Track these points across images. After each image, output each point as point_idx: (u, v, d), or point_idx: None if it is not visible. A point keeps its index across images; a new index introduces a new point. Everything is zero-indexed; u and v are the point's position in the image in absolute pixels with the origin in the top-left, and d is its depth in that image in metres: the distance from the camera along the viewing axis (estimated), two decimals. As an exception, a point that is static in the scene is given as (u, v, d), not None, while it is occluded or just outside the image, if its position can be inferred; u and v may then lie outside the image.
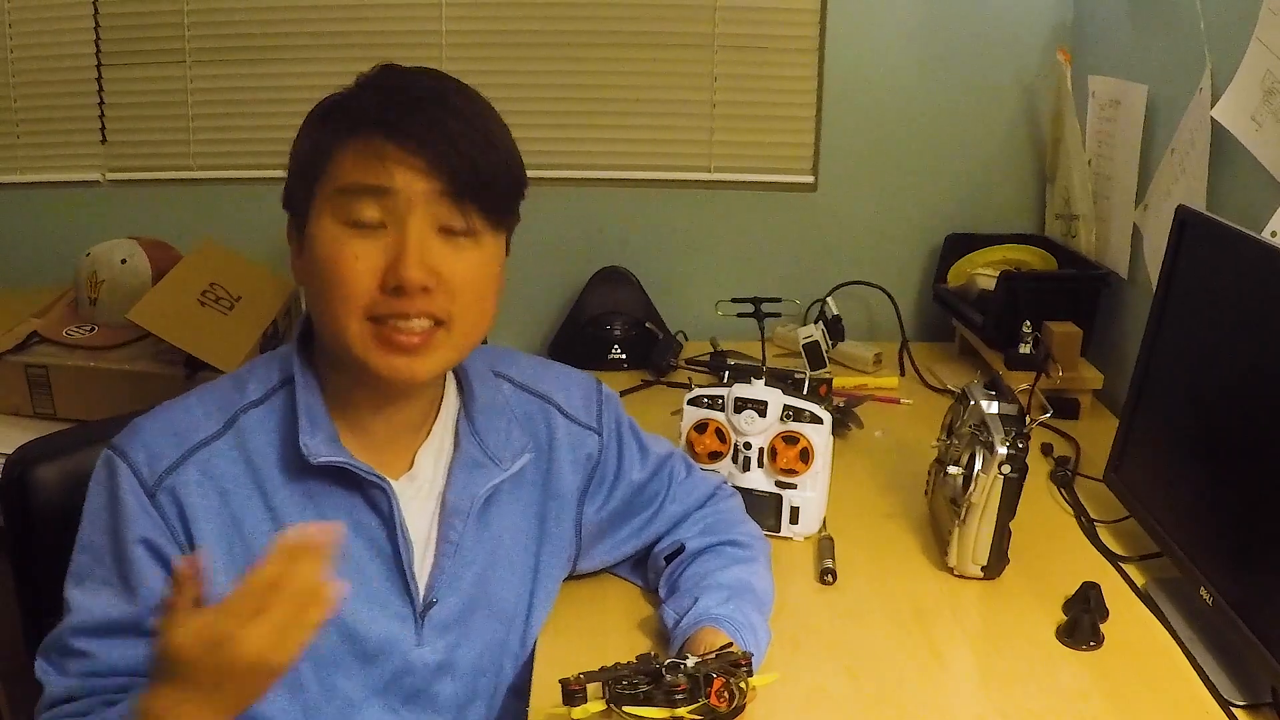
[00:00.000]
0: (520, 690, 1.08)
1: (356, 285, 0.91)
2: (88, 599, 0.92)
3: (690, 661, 0.90)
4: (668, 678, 0.88)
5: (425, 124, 0.91)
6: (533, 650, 1.10)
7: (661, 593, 1.16)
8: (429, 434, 1.04)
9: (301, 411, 0.96)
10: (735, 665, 0.91)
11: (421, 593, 1.01)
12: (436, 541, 1.02)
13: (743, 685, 0.89)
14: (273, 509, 0.96)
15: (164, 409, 0.98)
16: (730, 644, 0.96)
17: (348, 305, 0.91)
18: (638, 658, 0.93)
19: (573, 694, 0.89)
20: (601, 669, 0.91)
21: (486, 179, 0.94)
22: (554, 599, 1.13)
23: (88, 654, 0.91)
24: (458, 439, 1.05)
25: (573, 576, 1.17)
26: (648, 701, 0.88)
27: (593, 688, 0.90)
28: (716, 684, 0.88)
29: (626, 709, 0.88)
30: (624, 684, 0.89)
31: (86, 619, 0.92)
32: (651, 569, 1.19)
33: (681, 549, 1.17)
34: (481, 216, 0.94)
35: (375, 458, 0.99)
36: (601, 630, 1.14)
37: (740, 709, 0.90)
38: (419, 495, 1.02)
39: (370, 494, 0.98)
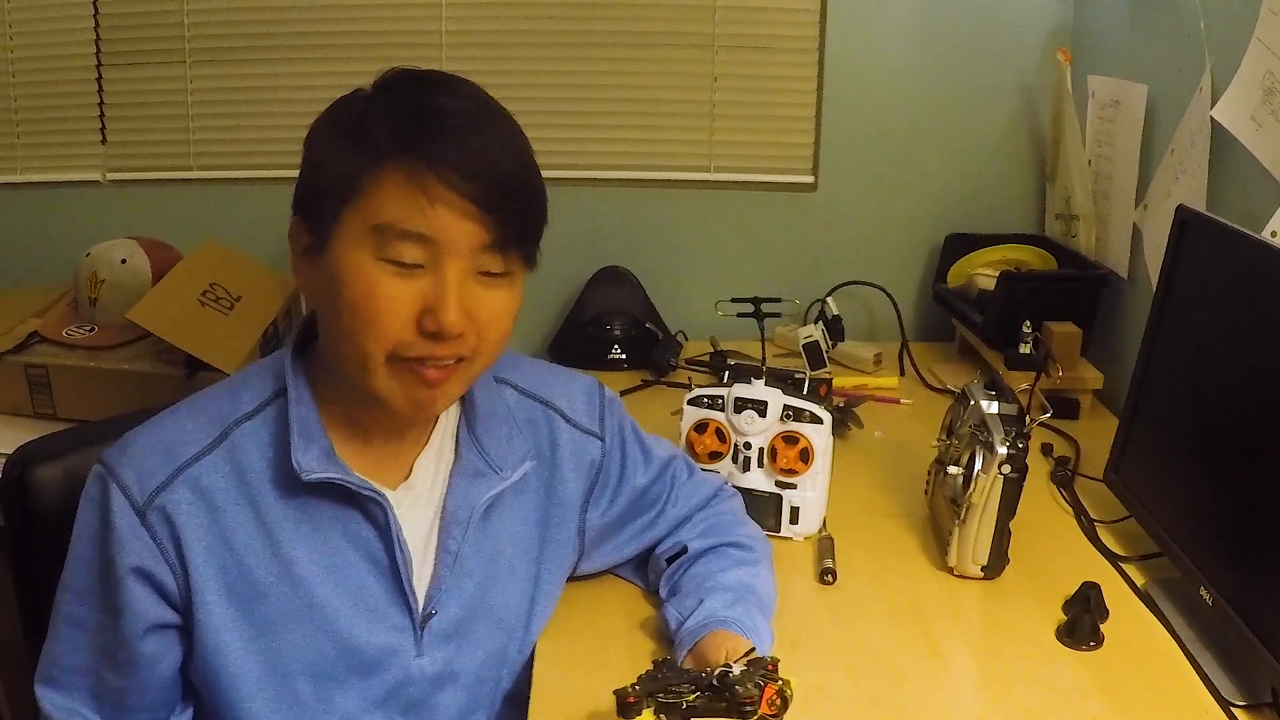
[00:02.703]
0: (516, 699, 1.07)
1: (389, 327, 0.89)
2: (74, 629, 0.94)
3: (736, 669, 0.88)
4: (738, 689, 0.86)
5: (472, 164, 0.87)
6: (530, 656, 1.09)
7: (662, 593, 1.15)
8: (428, 442, 1.03)
9: (294, 426, 0.94)
10: (765, 670, 0.90)
11: (420, 603, 0.99)
12: (436, 551, 1.01)
13: (788, 693, 0.89)
14: (265, 524, 0.94)
15: (156, 422, 0.96)
16: (753, 648, 0.96)
17: (377, 345, 0.89)
18: (660, 663, 0.92)
19: (629, 706, 0.87)
20: (645, 677, 0.89)
21: (531, 225, 0.93)
22: (554, 605, 1.12)
23: (76, 685, 0.94)
24: (458, 447, 1.03)
25: (573, 578, 1.17)
26: (708, 713, 0.87)
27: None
28: (769, 691, 0.87)
29: None
30: (671, 693, 0.88)
31: (70, 647, 0.94)
32: (652, 570, 1.19)
33: (683, 550, 1.16)
34: (520, 260, 0.94)
35: (372, 467, 0.98)
36: (602, 632, 1.13)
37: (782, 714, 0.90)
38: (417, 504, 1.01)
39: (366, 506, 0.97)
